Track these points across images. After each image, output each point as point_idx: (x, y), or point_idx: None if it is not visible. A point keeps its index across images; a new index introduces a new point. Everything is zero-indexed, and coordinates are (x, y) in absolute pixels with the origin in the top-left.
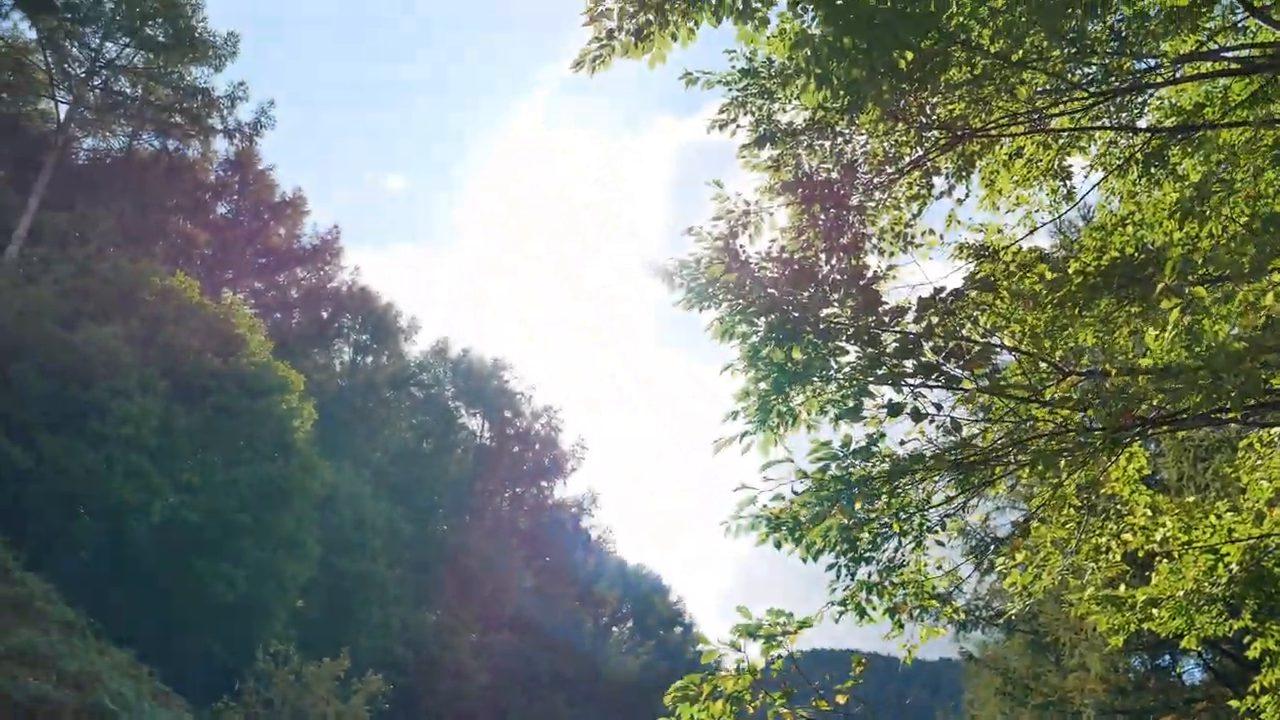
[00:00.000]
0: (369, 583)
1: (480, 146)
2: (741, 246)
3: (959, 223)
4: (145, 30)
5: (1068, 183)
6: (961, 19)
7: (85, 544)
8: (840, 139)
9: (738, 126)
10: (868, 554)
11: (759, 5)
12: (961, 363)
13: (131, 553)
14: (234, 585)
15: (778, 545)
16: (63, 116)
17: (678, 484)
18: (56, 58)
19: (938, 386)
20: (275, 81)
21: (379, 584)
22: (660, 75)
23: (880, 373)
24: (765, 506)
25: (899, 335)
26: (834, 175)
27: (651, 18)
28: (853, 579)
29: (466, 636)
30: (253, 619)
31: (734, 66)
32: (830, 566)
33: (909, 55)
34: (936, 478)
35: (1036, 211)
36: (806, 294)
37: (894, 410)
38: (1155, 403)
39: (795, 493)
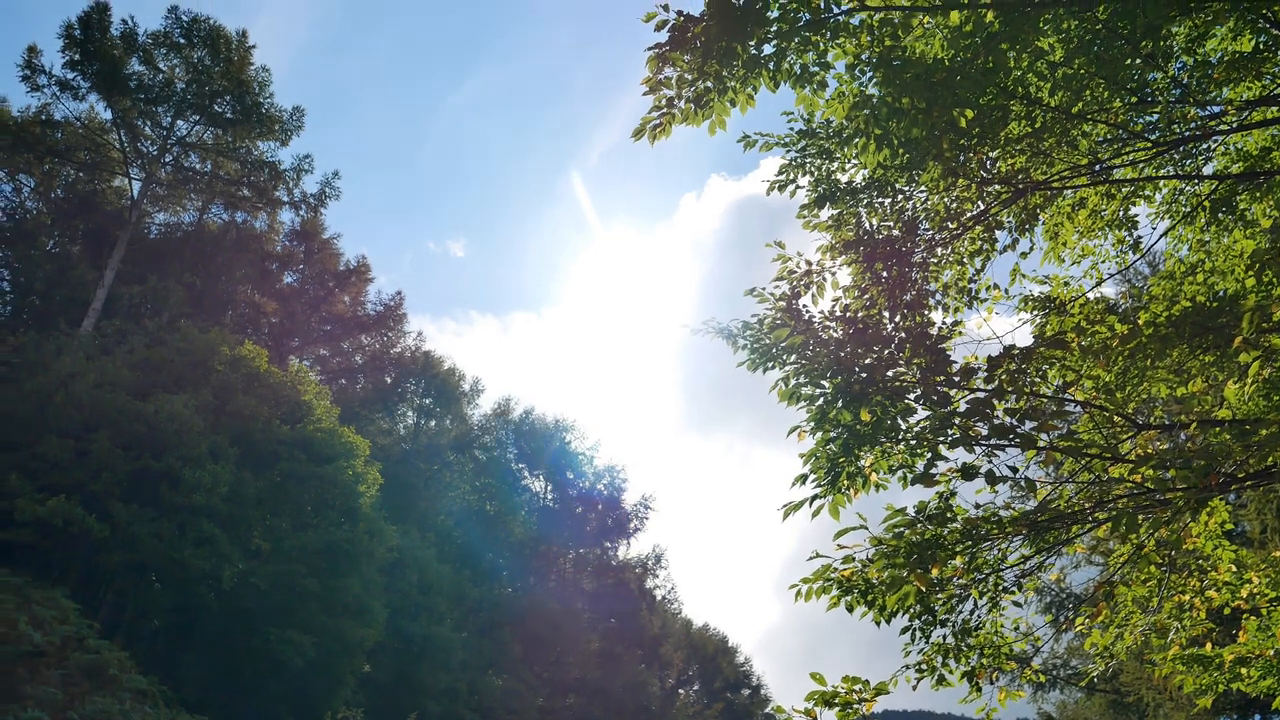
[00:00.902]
0: (435, 647)
1: (539, 210)
2: (804, 306)
3: (1024, 276)
4: (214, 108)
5: (1134, 232)
6: (1019, 73)
7: (157, 611)
8: (901, 196)
9: (797, 187)
10: (943, 616)
11: (817, 69)
12: (1035, 425)
13: (202, 619)
14: (302, 651)
15: (850, 609)
16: (136, 193)
17: (744, 541)
18: (130, 136)
19: (1012, 445)
20: (340, 151)
21: (445, 648)
22: (716, 136)
23: (952, 435)
24: (836, 569)
25: (970, 396)
26: (895, 232)
27: (710, 85)
28: (928, 642)
29: (534, 700)
30: (321, 684)
31: (792, 128)
32: (905, 630)
33: (969, 113)
34: (1011, 537)
35: (1103, 262)
36: (873, 355)
37: (968, 474)
38: (1238, 459)
39: (869, 560)
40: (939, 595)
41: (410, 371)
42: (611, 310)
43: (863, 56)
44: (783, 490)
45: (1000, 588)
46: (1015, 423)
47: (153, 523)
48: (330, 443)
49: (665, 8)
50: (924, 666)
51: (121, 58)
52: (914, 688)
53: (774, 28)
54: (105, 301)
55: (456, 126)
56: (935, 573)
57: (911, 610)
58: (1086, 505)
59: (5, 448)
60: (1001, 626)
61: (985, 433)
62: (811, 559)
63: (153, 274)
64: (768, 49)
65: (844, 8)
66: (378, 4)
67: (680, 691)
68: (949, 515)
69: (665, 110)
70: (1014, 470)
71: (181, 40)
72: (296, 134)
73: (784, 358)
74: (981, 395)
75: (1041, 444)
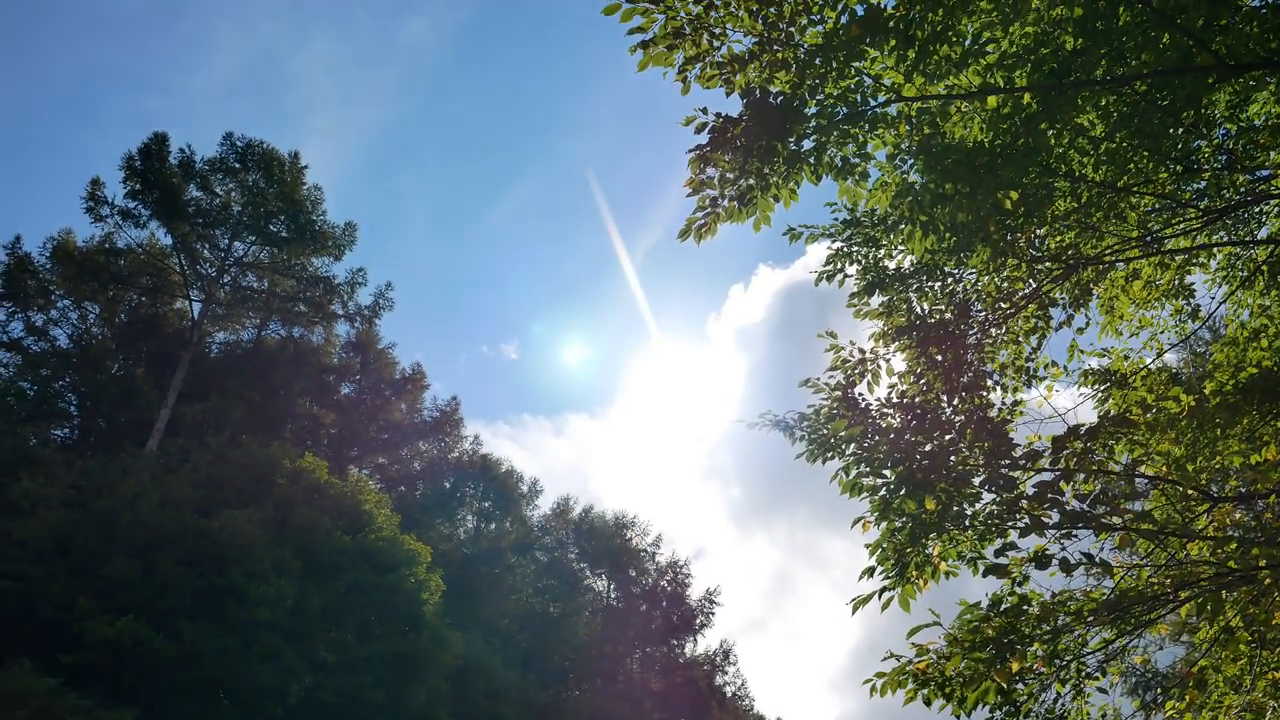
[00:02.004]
0: None
1: (588, 312)
2: (860, 395)
3: (1081, 352)
4: (269, 228)
5: (1191, 300)
6: (1061, 150)
7: None
8: (951, 279)
9: (845, 275)
10: (1025, 706)
11: (857, 161)
12: (1108, 508)
13: None
14: None
15: (927, 702)
16: (196, 314)
17: (811, 632)
18: (190, 260)
19: (1084, 529)
20: (390, 260)
21: None
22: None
23: (1021, 520)
24: (912, 663)
25: (1036, 479)
26: (948, 316)
27: (753, 182)
28: None
29: None
30: None
31: (836, 218)
32: None
33: (1013, 194)
34: (1091, 623)
35: (1162, 332)
36: (933, 441)
37: (1042, 563)
38: None
39: (944, 655)
40: (1020, 687)
41: (469, 475)
42: (665, 406)
43: (902, 145)
44: (848, 576)
45: (1083, 674)
46: (1086, 508)
47: (219, 639)
48: (392, 551)
49: (704, 110)
50: None
51: (180, 185)
52: None
53: (812, 123)
54: (168, 421)
55: (501, 233)
56: (1016, 667)
57: (992, 701)
58: (1167, 585)
59: (75, 570)
60: (1088, 715)
61: (1056, 519)
62: (886, 659)
63: (214, 392)
64: (808, 144)
65: (880, 100)
66: (420, 118)
67: None
68: (1025, 606)
69: (710, 210)
70: (1089, 557)
71: (237, 165)
72: (349, 249)
73: (842, 448)
74: (1049, 478)
75: (1114, 521)
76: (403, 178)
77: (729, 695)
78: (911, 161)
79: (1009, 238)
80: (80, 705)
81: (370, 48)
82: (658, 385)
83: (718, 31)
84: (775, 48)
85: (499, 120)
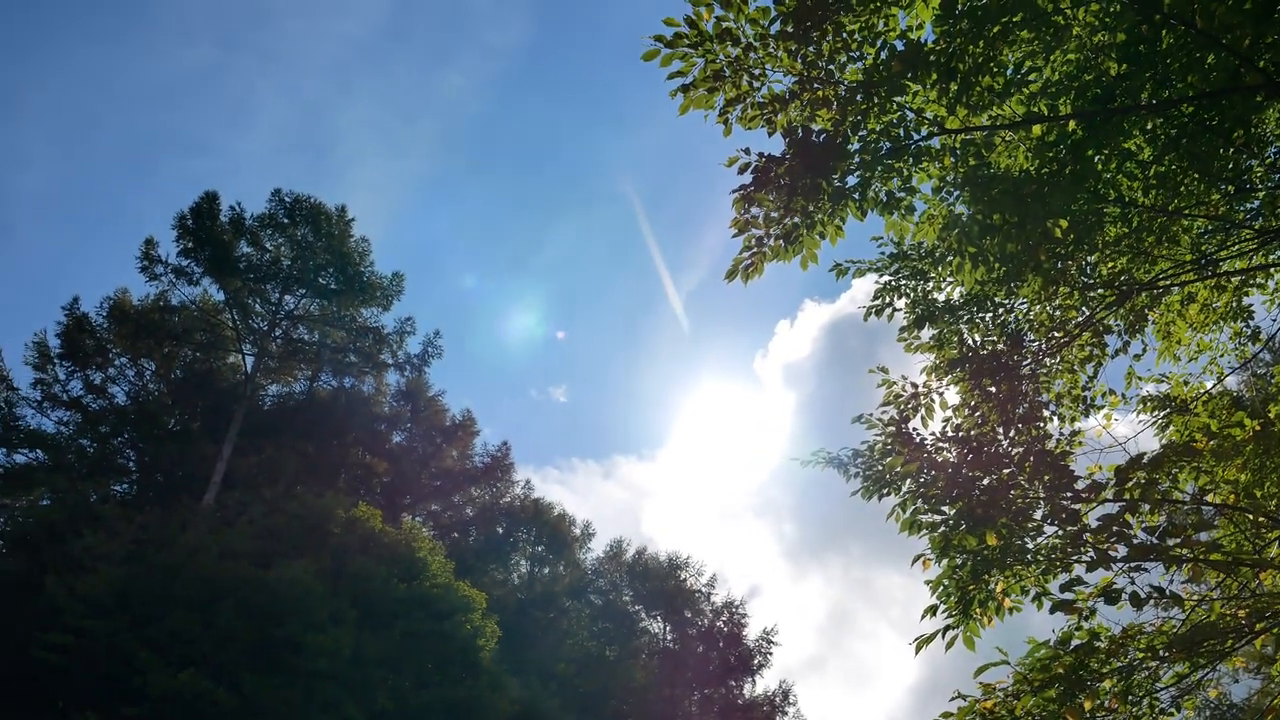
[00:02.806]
0: None
1: (633, 355)
2: (914, 430)
3: (1139, 379)
4: (319, 280)
5: (1250, 322)
6: (1110, 176)
7: None
8: (1002, 310)
9: (894, 310)
10: None
11: (903, 195)
12: (1177, 540)
13: None
14: None
15: None
16: (250, 368)
17: (870, 671)
18: (242, 315)
19: (1153, 562)
20: (438, 307)
21: None
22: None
23: (1086, 554)
24: (979, 703)
25: (1100, 512)
26: (1000, 347)
27: (798, 220)
28: None
29: None
30: None
31: (883, 252)
32: None
33: (1063, 222)
34: (1164, 654)
35: (1221, 356)
36: (991, 475)
37: (1111, 598)
38: None
39: (1013, 695)
40: None
41: (521, 520)
42: (715, 446)
43: (948, 178)
44: (906, 613)
45: (1157, 710)
46: (1154, 540)
47: (279, 690)
48: (447, 598)
49: (746, 151)
50: None
51: (231, 241)
52: None
53: (856, 159)
54: (224, 474)
55: (546, 279)
56: (1089, 705)
57: None
58: (1241, 616)
59: (136, 624)
60: None
61: (1123, 552)
62: (953, 699)
63: (268, 444)
64: (852, 180)
65: (924, 133)
66: (462, 169)
67: None
68: (1094, 642)
69: (756, 250)
70: (1159, 590)
71: (285, 220)
72: (397, 299)
73: (898, 484)
74: (1113, 510)
75: (1185, 558)
76: (447, 228)
77: None
78: (958, 193)
79: (1060, 266)
80: None
81: (410, 102)
82: (707, 425)
83: (757, 72)
84: (816, 86)
85: (539, 167)
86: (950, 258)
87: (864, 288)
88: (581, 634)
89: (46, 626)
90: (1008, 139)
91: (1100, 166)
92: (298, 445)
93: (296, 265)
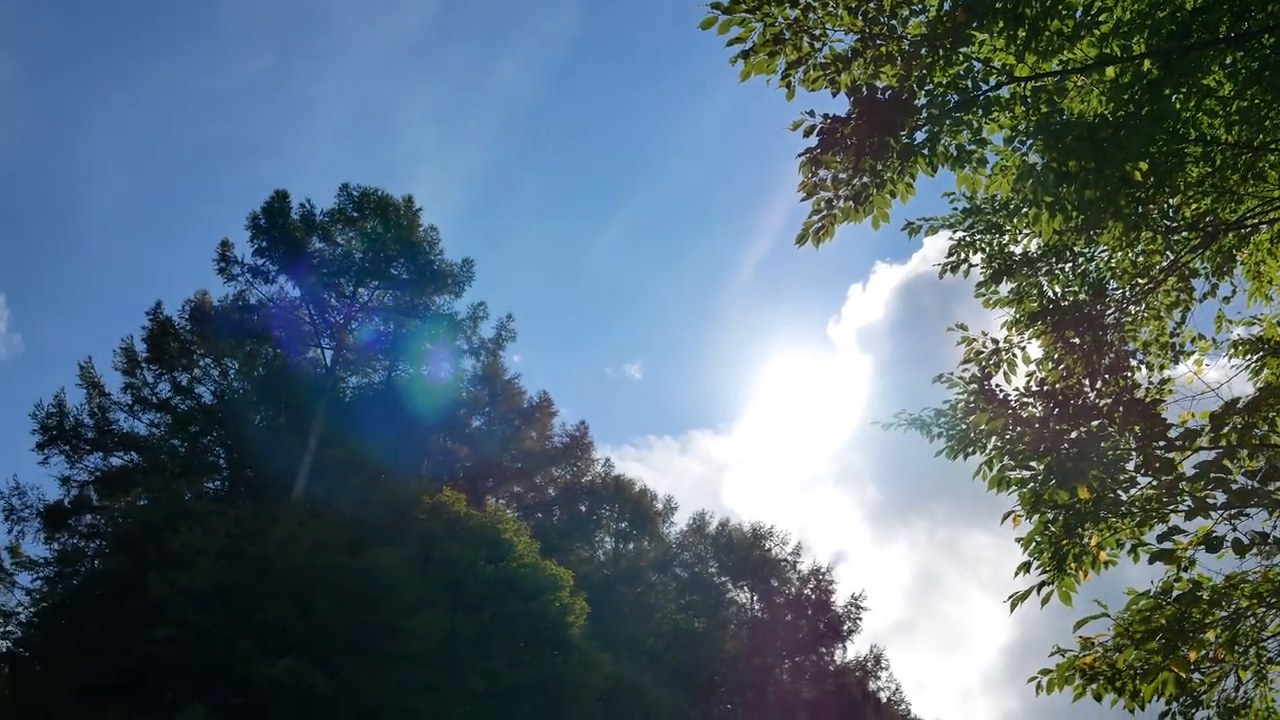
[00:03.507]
0: None
1: (704, 329)
2: (998, 386)
3: (1229, 322)
4: (391, 271)
5: None
6: (1189, 115)
7: None
8: (1082, 259)
9: (970, 265)
10: (1207, 698)
11: (973, 147)
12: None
13: None
14: None
15: (1098, 698)
16: (329, 361)
17: (962, 632)
18: (318, 309)
19: (1255, 506)
20: (509, 291)
21: None
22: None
23: (1184, 505)
24: (1078, 658)
25: (1196, 459)
26: (1082, 297)
27: (867, 180)
28: None
29: None
30: None
31: (955, 208)
32: (1164, 715)
33: (1142, 165)
34: (1271, 602)
35: None
36: (1080, 428)
37: (1212, 546)
38: None
39: (1113, 648)
40: (1198, 677)
41: (603, 498)
42: (792, 415)
43: (1019, 127)
44: (995, 573)
45: (1264, 659)
46: (1255, 485)
47: (376, 675)
48: (534, 577)
49: (810, 113)
50: None
51: (303, 238)
52: None
53: (924, 114)
54: (311, 466)
55: (613, 257)
56: (1194, 655)
57: (1170, 695)
58: None
59: (235, 615)
60: (1273, 702)
61: (1223, 499)
62: (1052, 654)
63: (352, 435)
64: (920, 136)
65: (992, 83)
66: (522, 154)
67: None
68: (1197, 593)
69: (825, 212)
70: (1263, 536)
71: (355, 214)
72: (468, 285)
73: (983, 442)
74: (1209, 457)
75: None
76: (511, 214)
77: (884, 701)
78: (1030, 142)
79: (1141, 210)
80: None
81: (466, 94)
82: (782, 395)
83: (818, 33)
84: (878, 42)
85: (598, 148)
86: (1026, 209)
87: (936, 246)
88: (669, 607)
89: (151, 622)
90: (1080, 83)
91: (1178, 105)
92: (380, 435)
93: (368, 257)
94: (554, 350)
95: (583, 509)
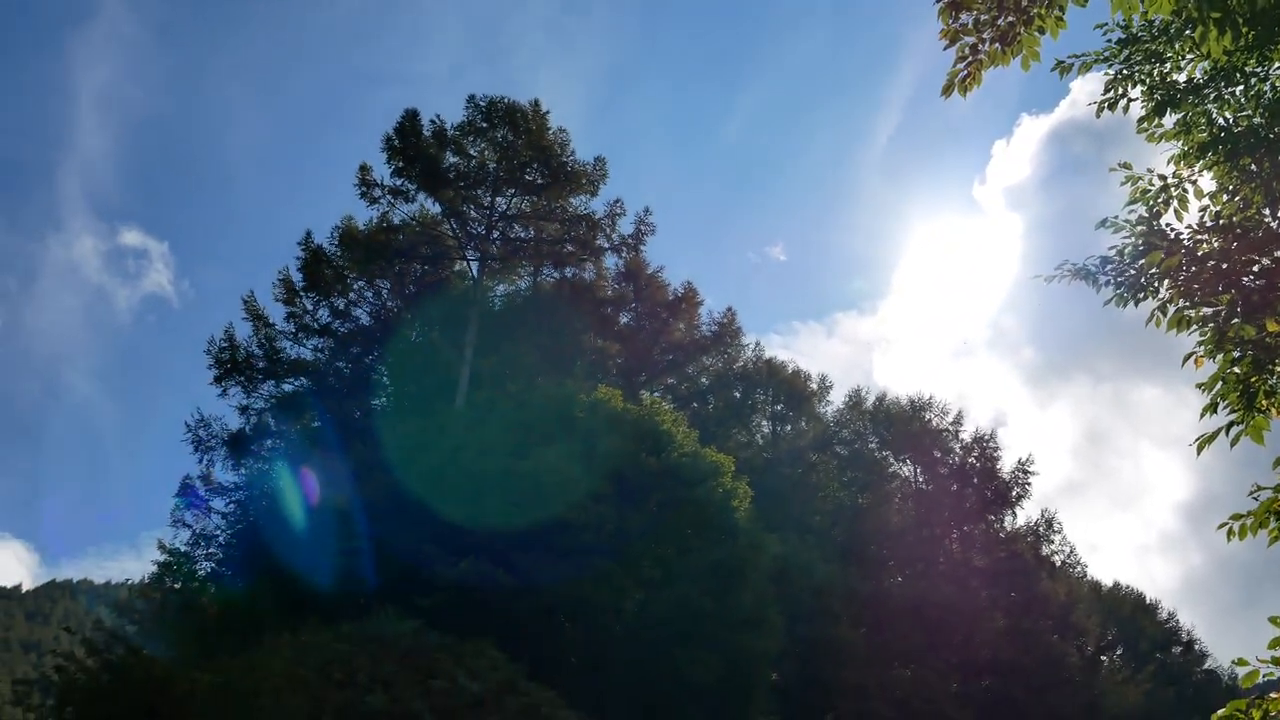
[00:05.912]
0: (837, 647)
1: (842, 208)
2: (1168, 225)
3: None
4: (525, 177)
5: None
6: None
7: (571, 649)
8: (1255, 79)
9: (1130, 100)
10: None
11: None
12: None
13: (611, 651)
14: (711, 669)
15: None
16: (476, 272)
17: (1134, 489)
18: (459, 223)
19: None
20: (641, 184)
21: (847, 647)
22: (1017, 74)
23: None
24: (1276, 499)
25: None
26: (1257, 121)
27: (1013, 18)
28: None
29: (946, 687)
30: (734, 698)
31: (1109, 39)
32: None
33: None
34: None
35: None
36: (1265, 259)
37: None
38: None
39: None
40: None
41: (756, 382)
42: (939, 284)
43: None
44: (1166, 428)
45: None
46: None
47: (552, 569)
48: (696, 466)
49: None
50: None
51: (437, 154)
52: None
53: None
54: (469, 377)
55: (745, 140)
56: None
57: None
58: None
59: (415, 523)
60: None
61: None
62: (1253, 492)
63: (505, 342)
64: None
65: None
66: (637, 49)
67: (1102, 659)
68: None
69: (970, 59)
70: None
71: (484, 124)
72: (603, 183)
73: (1155, 286)
74: None
75: None
76: (637, 108)
77: (1058, 564)
78: None
79: None
80: (443, 641)
81: None
82: (928, 265)
83: None
84: None
85: (715, 29)
86: (1190, 30)
87: (1085, 89)
88: (831, 485)
89: (343, 536)
90: None
91: None
92: (533, 339)
93: (502, 166)
94: (695, 240)
95: (736, 395)
